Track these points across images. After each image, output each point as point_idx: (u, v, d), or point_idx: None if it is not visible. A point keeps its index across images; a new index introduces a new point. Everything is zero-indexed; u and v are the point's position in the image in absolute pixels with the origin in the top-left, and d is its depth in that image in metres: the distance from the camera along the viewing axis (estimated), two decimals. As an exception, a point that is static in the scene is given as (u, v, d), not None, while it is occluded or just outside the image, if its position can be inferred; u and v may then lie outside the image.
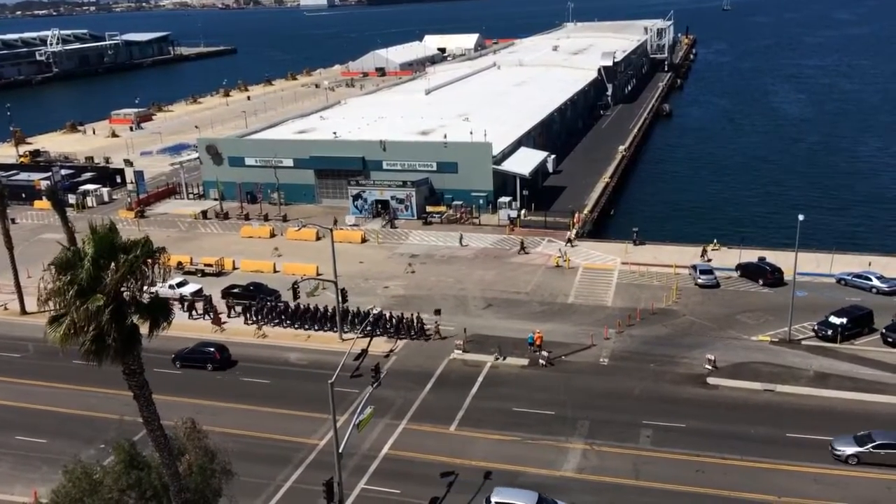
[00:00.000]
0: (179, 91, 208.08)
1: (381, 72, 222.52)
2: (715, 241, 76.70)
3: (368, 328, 57.90)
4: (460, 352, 57.37)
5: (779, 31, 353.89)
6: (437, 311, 61.52)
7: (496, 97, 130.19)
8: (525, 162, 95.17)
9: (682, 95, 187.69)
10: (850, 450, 43.59)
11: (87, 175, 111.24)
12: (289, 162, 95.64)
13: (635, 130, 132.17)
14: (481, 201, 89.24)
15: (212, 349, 57.84)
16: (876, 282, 65.27)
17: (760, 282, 67.73)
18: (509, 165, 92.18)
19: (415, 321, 60.59)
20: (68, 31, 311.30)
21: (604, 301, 66.13)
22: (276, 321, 63.48)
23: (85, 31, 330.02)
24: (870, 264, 69.36)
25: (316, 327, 62.51)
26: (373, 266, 75.72)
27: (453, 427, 48.55)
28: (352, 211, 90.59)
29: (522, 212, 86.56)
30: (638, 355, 56.22)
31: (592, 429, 47.45)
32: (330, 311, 62.25)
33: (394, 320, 60.78)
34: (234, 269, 76.35)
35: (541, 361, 55.40)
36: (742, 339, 58.08)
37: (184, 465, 33.46)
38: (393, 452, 46.14)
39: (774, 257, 70.17)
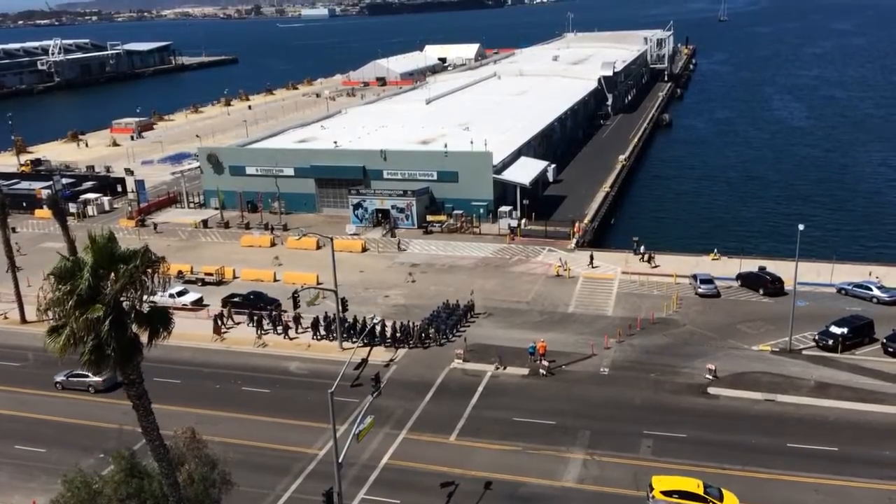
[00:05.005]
0: (180, 100, 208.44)
1: (382, 81, 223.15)
2: (715, 250, 76.70)
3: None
4: (460, 361, 57.32)
5: (778, 41, 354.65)
6: (472, 292, 67.10)
7: (496, 107, 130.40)
8: (525, 171, 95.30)
9: (682, 105, 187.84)
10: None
11: (88, 184, 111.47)
12: (289, 171, 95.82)
13: (635, 140, 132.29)
14: (481, 210, 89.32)
15: None
16: (876, 291, 65.18)
17: (761, 291, 67.69)
18: (509, 175, 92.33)
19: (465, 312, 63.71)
20: (70, 41, 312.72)
21: (604, 310, 66.09)
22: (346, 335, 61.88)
23: (86, 40, 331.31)
24: (870, 274, 69.30)
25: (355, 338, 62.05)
26: (373, 275, 75.71)
27: (453, 437, 48.44)
28: (352, 220, 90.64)
29: (523, 221, 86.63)
30: (638, 365, 56.14)
31: (593, 439, 47.34)
32: (367, 322, 61.63)
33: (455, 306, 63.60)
34: (235, 277, 76.39)
35: (541, 371, 55.32)
36: (742, 348, 58.01)
37: (183, 474, 33.40)
38: (393, 462, 46.02)
39: (775, 267, 70.13)
